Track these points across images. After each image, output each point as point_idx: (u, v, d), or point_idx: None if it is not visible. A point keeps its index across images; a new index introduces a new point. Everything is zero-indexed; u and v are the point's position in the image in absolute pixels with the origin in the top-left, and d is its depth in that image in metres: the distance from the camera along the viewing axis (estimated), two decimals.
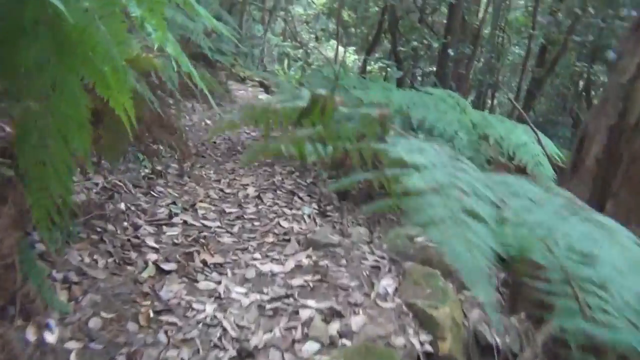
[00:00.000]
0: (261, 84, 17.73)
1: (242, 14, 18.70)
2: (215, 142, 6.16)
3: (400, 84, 14.54)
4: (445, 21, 16.49)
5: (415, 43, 9.28)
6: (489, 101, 15.10)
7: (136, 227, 3.18)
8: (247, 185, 4.62)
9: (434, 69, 15.91)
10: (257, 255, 3.13)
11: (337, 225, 3.98)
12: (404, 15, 15.03)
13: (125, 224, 3.19)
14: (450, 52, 8.79)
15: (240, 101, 13.37)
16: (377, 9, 16.51)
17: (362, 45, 17.29)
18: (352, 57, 20.39)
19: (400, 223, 4.97)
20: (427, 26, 14.59)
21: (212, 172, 4.93)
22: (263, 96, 15.73)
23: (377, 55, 18.04)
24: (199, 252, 3.04)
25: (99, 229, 2.99)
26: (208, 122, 7.05)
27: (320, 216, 4.21)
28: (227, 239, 3.34)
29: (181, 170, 4.58)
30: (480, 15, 15.38)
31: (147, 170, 4.34)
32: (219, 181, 4.66)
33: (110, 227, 3.05)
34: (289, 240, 3.39)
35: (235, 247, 3.23)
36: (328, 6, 15.68)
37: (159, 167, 4.52)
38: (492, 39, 14.60)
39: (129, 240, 2.97)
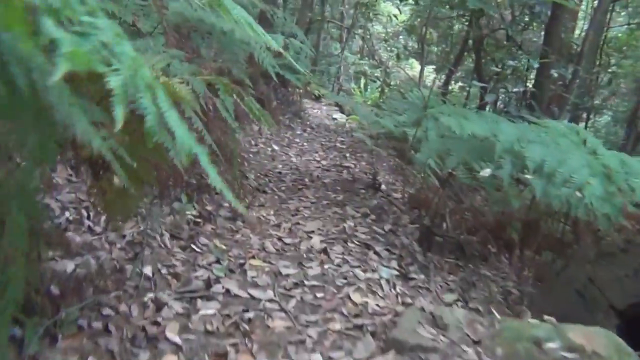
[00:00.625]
0: (336, 103, 16.96)
1: (319, 32, 18.09)
2: (280, 173, 5.32)
3: (482, 105, 13.35)
4: (535, 39, 15.14)
5: (511, 62, 8.05)
6: (583, 124, 13.60)
7: (159, 305, 2.33)
8: (313, 232, 3.72)
9: (520, 89, 14.61)
10: (316, 356, 2.20)
11: (425, 298, 3.00)
12: (490, 32, 13.85)
13: (147, 298, 2.35)
14: (554, 73, 7.59)
15: (313, 120, 12.60)
16: (460, 26, 15.42)
17: (442, 63, 16.19)
18: (431, 76, 19.32)
19: (498, 283, 3.93)
20: (516, 44, 13.32)
21: (272, 212, 4.06)
22: (338, 115, 14.93)
23: (458, 74, 16.91)
24: (237, 349, 2.15)
25: (106, 311, 2.16)
26: (275, 147, 6.24)
27: (402, 280, 3.24)
28: (278, 322, 2.43)
29: (235, 212, 3.75)
30: (577, 32, 13.92)
31: (193, 213, 3.53)
32: (279, 226, 3.79)
33: (123, 307, 2.22)
34: (361, 328, 2.44)
35: (289, 337, 2.31)
36: (409, 23, 14.70)
37: (208, 208, 3.71)
38: (590, 58, 13.07)
39: (144, 329, 2.13)
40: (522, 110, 6.48)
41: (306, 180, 5.17)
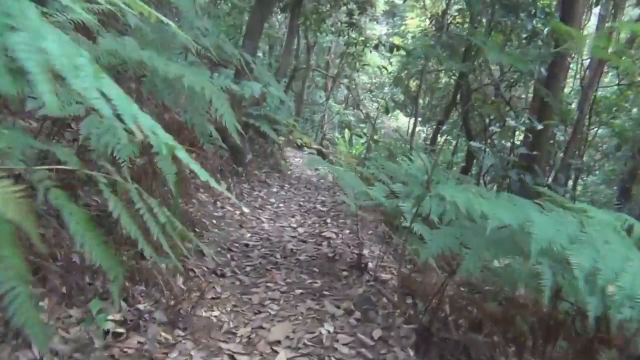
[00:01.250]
0: (319, 152, 16.11)
1: (304, 79, 17.47)
2: (247, 245, 4.35)
3: (469, 158, 12.60)
4: (523, 96, 14.57)
5: (512, 122, 7.27)
6: (571, 183, 12.92)
7: None
8: (279, 344, 2.73)
9: (508, 144, 13.96)
10: None
11: None
12: (479, 87, 13.27)
13: None
14: (560, 135, 6.83)
15: (294, 171, 11.73)
16: (447, 79, 14.86)
17: (428, 116, 15.56)
18: (416, 129, 18.68)
19: None
20: (505, 101, 12.71)
21: (228, 309, 3.08)
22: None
23: (444, 127, 16.37)
24: None
25: None
26: (245, 210, 5.28)
27: None
28: None
29: (174, 313, 2.75)
30: (567, 90, 13.39)
31: (116, 318, 2.53)
32: (234, 333, 2.80)
33: None
34: None
35: None
36: (396, 75, 14.09)
37: (140, 306, 2.72)
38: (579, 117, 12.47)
39: None
40: (527, 177, 5.63)
41: (278, 255, 4.20)
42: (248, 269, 3.81)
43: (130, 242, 2.95)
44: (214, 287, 3.30)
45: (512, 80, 12.61)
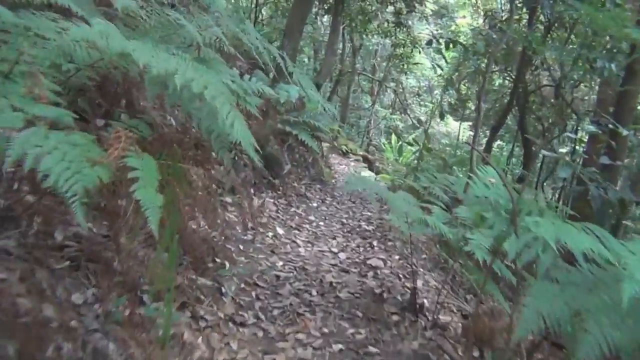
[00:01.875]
0: (364, 159, 15.26)
1: (350, 84, 16.67)
2: (278, 277, 3.57)
3: (527, 164, 11.49)
4: (586, 97, 13.35)
5: (591, 128, 6.22)
6: None
7: None
8: None
9: (566, 150, 12.83)
10: None
11: None
12: (537, 88, 12.15)
13: None
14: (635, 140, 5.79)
15: (338, 179, 10.97)
16: (500, 80, 13.75)
17: (481, 120, 14.48)
18: (467, 133, 17.56)
19: None
20: (566, 103, 11.56)
21: None
22: (366, 174, 13.27)
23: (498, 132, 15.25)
24: None
25: None
26: (279, 231, 4.52)
27: None
28: None
29: None
30: None
31: None
32: None
33: None
34: None
35: None
36: (446, 77, 13.09)
37: None
38: None
39: None
40: (610, 192, 4.63)
41: (314, 292, 3.40)
42: (275, 312, 3.03)
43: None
44: (228, 344, 2.53)
45: (574, 81, 11.46)
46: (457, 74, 13.16)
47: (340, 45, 15.57)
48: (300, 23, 6.85)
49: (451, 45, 6.32)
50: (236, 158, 5.10)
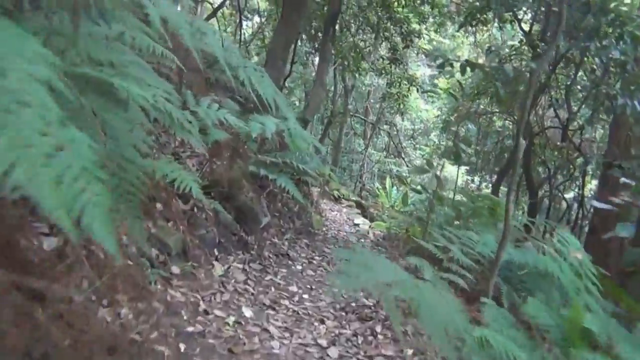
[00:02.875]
0: (358, 204, 13.95)
1: (342, 125, 15.56)
2: None
3: (532, 212, 10.20)
4: (593, 140, 12.27)
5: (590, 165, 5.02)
6: None
7: None
8: None
9: (575, 194, 11.73)
10: None
11: None
12: (541, 130, 11.02)
13: None
14: None
15: (330, 228, 9.68)
16: (501, 122, 12.67)
17: (480, 166, 13.32)
18: (463, 177, 16.39)
19: None
20: (573, 145, 10.43)
21: None
22: (360, 220, 11.93)
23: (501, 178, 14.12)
24: None
25: None
26: (246, 314, 3.16)
27: None
28: None
29: None
30: None
31: None
32: None
33: None
34: None
35: None
36: (444, 118, 11.99)
37: None
38: None
39: None
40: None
41: None
42: None
43: None
44: None
45: (582, 122, 10.35)
46: (455, 114, 12.08)
47: (332, 86, 14.55)
48: (283, 50, 5.67)
49: (468, 69, 5.14)
50: (195, 210, 3.81)
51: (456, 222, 4.96)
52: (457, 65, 5.19)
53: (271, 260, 4.31)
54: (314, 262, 4.94)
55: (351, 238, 9.15)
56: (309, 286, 4.05)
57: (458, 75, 12.79)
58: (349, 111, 14.56)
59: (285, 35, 5.63)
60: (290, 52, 6.38)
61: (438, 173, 4.43)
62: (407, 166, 15.46)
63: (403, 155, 15.46)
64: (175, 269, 3.11)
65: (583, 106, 10.16)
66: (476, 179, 14.17)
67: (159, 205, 3.32)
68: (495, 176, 13.35)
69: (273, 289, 3.68)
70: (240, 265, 3.81)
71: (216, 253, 3.78)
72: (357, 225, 11.39)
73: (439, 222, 4.93)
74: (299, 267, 4.51)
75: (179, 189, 2.93)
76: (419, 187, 5.12)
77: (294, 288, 3.87)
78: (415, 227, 5.25)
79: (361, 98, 16.40)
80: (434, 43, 15.03)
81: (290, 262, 4.55)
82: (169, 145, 4.54)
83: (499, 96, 10.08)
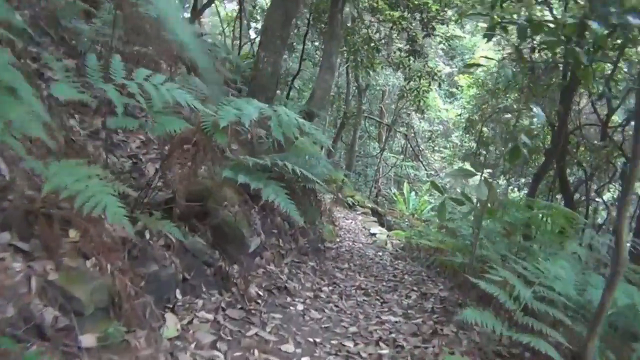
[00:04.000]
0: (374, 212, 12.64)
1: (355, 129, 14.27)
2: None
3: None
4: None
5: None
6: None
7: None
8: None
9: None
10: None
11: None
12: (576, 128, 9.57)
13: None
14: None
15: (346, 237, 8.46)
16: (528, 120, 11.27)
17: (504, 167, 11.92)
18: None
19: None
20: (614, 143, 8.96)
21: None
22: (377, 230, 10.62)
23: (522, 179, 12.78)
24: None
25: None
26: None
27: None
28: None
29: None
30: None
31: None
32: None
33: None
34: None
35: None
36: (467, 117, 10.63)
37: None
38: None
39: None
40: None
41: None
42: None
43: None
44: None
45: (625, 119, 8.93)
46: (479, 113, 10.73)
47: (344, 86, 13.27)
48: (282, 28, 4.41)
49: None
50: (147, 235, 2.56)
51: (506, 240, 3.67)
52: (512, 30, 3.87)
53: (261, 300, 3.02)
54: (322, 295, 3.65)
55: (368, 251, 7.87)
56: (312, 340, 2.75)
57: (478, 72, 11.42)
58: (363, 112, 13.26)
59: (283, 8, 4.38)
60: (290, 30, 5.11)
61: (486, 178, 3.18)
62: (426, 170, 14.10)
63: (421, 158, 14.11)
64: (89, 339, 1.85)
65: (626, 100, 8.77)
66: (501, 182, 12.74)
67: (72, 234, 2.07)
68: (526, 180, 11.96)
69: (256, 352, 2.39)
70: (211, 315, 2.53)
71: (177, 297, 2.51)
72: (374, 235, 10.08)
73: (484, 241, 3.63)
74: (300, 307, 3.21)
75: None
76: (460, 196, 3.85)
77: (289, 347, 2.57)
78: (449, 242, 3.92)
79: (375, 99, 15.10)
80: (452, 41, 13.68)
81: (288, 300, 3.26)
82: (125, 145, 3.30)
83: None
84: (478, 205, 3.14)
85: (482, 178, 3.14)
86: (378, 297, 3.91)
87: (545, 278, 2.58)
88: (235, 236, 3.26)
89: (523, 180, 12.45)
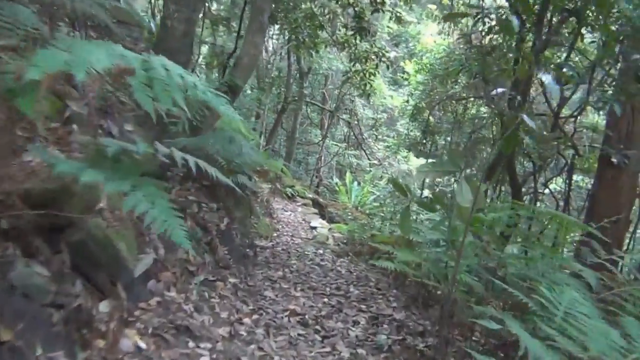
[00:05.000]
0: (315, 203, 11.69)
1: (296, 115, 13.20)
2: None
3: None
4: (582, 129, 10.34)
5: None
6: None
7: None
8: None
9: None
10: None
11: None
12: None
13: None
14: None
15: (284, 231, 7.53)
16: (476, 109, 10.63)
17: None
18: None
19: None
20: (564, 133, 8.39)
21: None
22: (318, 223, 9.64)
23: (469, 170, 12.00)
24: None
25: None
26: None
27: None
28: None
29: None
30: None
31: None
32: None
33: None
34: None
35: None
36: (414, 103, 9.80)
37: None
38: None
39: None
40: None
41: None
42: None
43: None
44: None
45: (579, 108, 8.36)
46: (426, 100, 9.95)
47: (285, 69, 12.18)
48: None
49: None
50: None
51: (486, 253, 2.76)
52: None
53: (139, 357, 1.95)
54: (242, 331, 2.61)
55: (308, 249, 6.89)
56: None
57: (425, 57, 10.66)
58: (305, 97, 12.22)
59: None
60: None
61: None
62: (369, 159, 13.26)
63: (364, 147, 13.25)
64: None
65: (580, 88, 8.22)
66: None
67: None
68: (471, 172, 11.33)
69: None
70: None
71: None
72: (315, 228, 9.11)
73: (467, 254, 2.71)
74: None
75: None
76: (431, 200, 2.88)
77: None
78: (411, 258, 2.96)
79: (318, 84, 14.09)
80: (400, 27, 12.84)
81: (188, 348, 2.20)
82: None
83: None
84: (456, 211, 2.24)
85: (463, 176, 2.20)
86: (318, 327, 2.92)
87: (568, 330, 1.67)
88: (108, 256, 2.15)
89: (468, 171, 11.88)
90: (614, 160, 5.61)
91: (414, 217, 4.64)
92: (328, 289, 3.98)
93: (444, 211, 2.72)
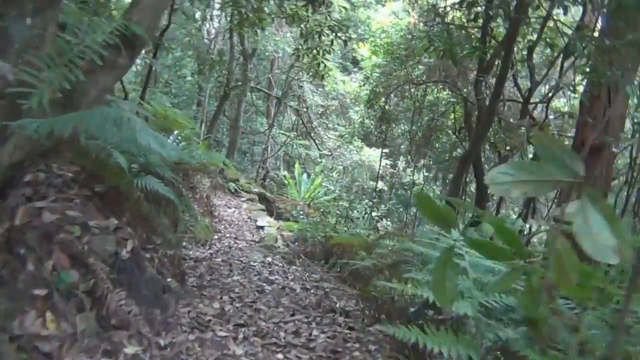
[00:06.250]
0: (261, 198, 10.43)
1: (240, 102, 11.79)
2: None
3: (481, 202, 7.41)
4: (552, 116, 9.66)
5: None
6: None
7: None
8: None
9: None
10: None
11: None
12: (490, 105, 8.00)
13: None
14: None
15: (226, 232, 6.39)
16: (437, 95, 9.64)
17: (410, 147, 10.28)
18: (382, 163, 13.15)
19: None
20: (535, 122, 7.64)
21: None
22: (265, 221, 8.36)
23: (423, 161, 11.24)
24: None
25: None
26: None
27: None
28: None
29: None
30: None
31: None
32: None
33: None
34: None
35: None
36: (370, 89, 8.66)
37: None
38: None
39: None
40: None
41: None
42: None
43: None
44: None
45: (550, 93, 7.51)
46: (381, 87, 8.85)
47: (225, 48, 10.76)
48: None
49: None
50: None
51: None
52: None
53: None
54: None
55: (254, 257, 5.67)
56: None
57: (383, 36, 9.58)
58: (249, 83, 10.84)
59: None
60: None
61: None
62: (319, 149, 12.09)
63: (313, 136, 12.06)
64: None
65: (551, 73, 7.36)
66: (399, 163, 11.12)
67: None
68: (426, 161, 10.40)
69: None
70: None
71: None
72: (262, 228, 7.87)
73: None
74: None
75: None
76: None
77: None
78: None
79: (264, 69, 12.72)
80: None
81: None
82: None
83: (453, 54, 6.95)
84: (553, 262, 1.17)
85: (586, 194, 1.11)
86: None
87: None
88: None
89: (423, 161, 10.96)
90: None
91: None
92: (282, 333, 2.77)
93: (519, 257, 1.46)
